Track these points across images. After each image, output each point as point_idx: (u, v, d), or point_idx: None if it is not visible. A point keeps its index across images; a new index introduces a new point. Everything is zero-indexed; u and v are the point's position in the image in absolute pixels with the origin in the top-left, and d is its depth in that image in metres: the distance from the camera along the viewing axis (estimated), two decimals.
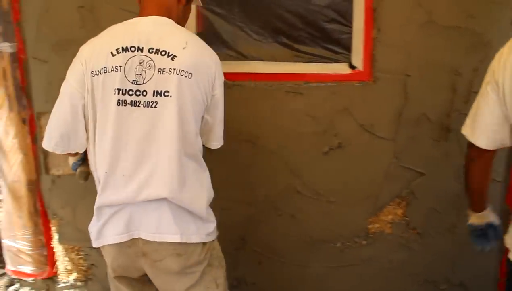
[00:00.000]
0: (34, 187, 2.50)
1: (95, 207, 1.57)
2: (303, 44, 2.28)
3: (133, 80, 1.44)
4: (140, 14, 1.55)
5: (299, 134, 2.31)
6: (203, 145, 1.63)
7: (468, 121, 1.55)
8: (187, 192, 1.51)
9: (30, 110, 2.41)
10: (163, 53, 1.44)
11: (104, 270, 2.55)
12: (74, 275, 2.64)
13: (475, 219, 1.74)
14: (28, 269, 2.61)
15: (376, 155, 2.31)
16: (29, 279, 2.66)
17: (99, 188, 1.54)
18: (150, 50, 1.44)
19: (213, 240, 1.65)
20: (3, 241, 2.61)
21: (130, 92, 1.44)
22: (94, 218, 1.60)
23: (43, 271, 2.63)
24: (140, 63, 1.44)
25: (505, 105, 1.39)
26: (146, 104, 1.44)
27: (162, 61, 1.44)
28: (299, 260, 2.47)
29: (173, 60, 1.43)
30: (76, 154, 1.64)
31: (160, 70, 1.43)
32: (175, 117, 1.44)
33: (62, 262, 2.64)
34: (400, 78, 2.22)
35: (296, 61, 2.29)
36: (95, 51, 1.49)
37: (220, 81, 1.56)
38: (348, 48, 2.28)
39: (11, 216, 2.52)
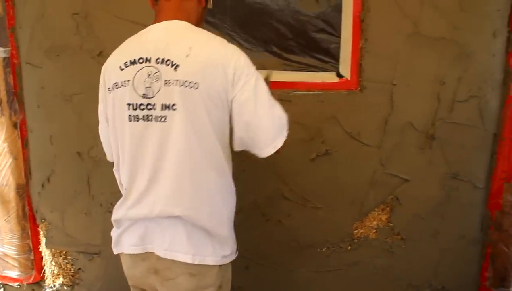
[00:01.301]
0: (22, 191, 2.50)
1: (112, 219, 1.55)
2: (293, 53, 2.31)
3: (143, 94, 1.36)
4: (155, 19, 1.47)
5: (288, 141, 2.31)
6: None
7: None
8: (204, 209, 1.43)
9: (21, 114, 2.42)
10: (168, 63, 1.33)
11: (91, 274, 2.58)
12: (61, 280, 2.63)
13: None
14: (14, 273, 2.60)
15: (362, 162, 2.35)
16: (15, 284, 2.64)
17: (120, 202, 1.53)
18: (157, 60, 1.34)
19: (228, 264, 1.56)
20: None
21: (142, 107, 1.36)
22: (114, 226, 1.58)
23: (29, 275, 2.62)
24: (149, 75, 1.35)
25: None
26: (157, 119, 1.35)
27: (167, 72, 1.33)
28: (285, 264, 2.49)
29: (176, 70, 1.32)
30: None
31: (166, 82, 1.33)
32: (184, 132, 1.35)
33: (49, 266, 2.63)
34: (387, 87, 2.27)
35: (285, 70, 2.32)
36: (109, 67, 1.47)
37: (243, 79, 1.36)
38: (336, 57, 2.32)
39: None
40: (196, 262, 1.43)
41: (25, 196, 2.52)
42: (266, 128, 1.42)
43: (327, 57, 2.32)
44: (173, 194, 1.39)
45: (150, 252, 1.47)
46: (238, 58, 1.38)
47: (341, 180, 2.38)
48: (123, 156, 1.47)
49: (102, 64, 2.25)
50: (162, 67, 1.34)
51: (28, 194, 2.53)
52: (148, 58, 1.35)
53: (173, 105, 1.33)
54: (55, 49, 2.32)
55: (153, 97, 1.35)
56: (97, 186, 2.45)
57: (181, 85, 1.32)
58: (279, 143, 1.45)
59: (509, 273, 2.42)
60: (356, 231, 2.45)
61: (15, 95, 2.40)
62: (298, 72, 2.32)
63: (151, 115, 1.36)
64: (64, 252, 2.60)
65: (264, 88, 1.41)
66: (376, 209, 2.42)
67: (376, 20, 2.22)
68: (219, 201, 1.47)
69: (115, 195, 2.39)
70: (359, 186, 2.39)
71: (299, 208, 2.42)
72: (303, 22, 2.28)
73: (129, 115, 1.38)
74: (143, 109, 1.36)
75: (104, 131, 1.60)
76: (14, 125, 2.42)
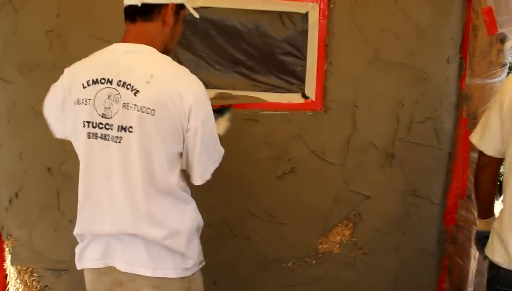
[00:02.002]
0: None
1: (74, 233, 1.56)
2: (261, 74, 2.40)
3: (102, 114, 1.38)
4: (122, 40, 1.47)
5: (255, 159, 2.40)
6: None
7: (476, 131, 1.76)
8: (161, 228, 1.44)
9: None
10: (128, 87, 1.36)
11: None
12: None
13: (482, 226, 1.85)
14: None
15: (327, 179, 2.45)
16: None
17: (78, 216, 1.53)
18: (119, 83, 1.37)
19: (193, 274, 1.56)
20: None
21: (100, 126, 1.39)
22: (78, 240, 1.58)
23: None
24: (109, 96, 1.37)
25: (502, 119, 1.62)
26: (113, 139, 1.38)
27: (127, 96, 1.36)
28: (253, 279, 2.53)
29: (135, 95, 1.35)
30: None
31: (124, 104, 1.36)
32: (137, 154, 1.38)
33: (14, 284, 2.59)
34: (349, 108, 2.39)
35: (253, 90, 2.39)
36: (73, 81, 1.46)
37: (198, 114, 1.39)
38: (302, 79, 2.42)
39: None
40: (157, 276, 1.46)
41: None
42: (205, 160, 1.49)
43: (294, 79, 2.42)
44: (130, 214, 1.42)
45: (112, 266, 1.50)
46: (198, 92, 1.41)
47: (306, 197, 2.46)
48: (81, 171, 1.48)
49: None
50: (123, 90, 1.36)
51: None
52: (110, 80, 1.38)
53: (130, 127, 1.36)
54: (28, 66, 2.33)
55: (111, 118, 1.38)
56: (66, 201, 2.44)
57: (139, 110, 1.35)
58: (208, 176, 1.54)
59: (464, 284, 2.55)
60: (320, 246, 2.53)
61: None
62: (266, 92, 2.39)
63: (108, 135, 1.39)
64: (30, 269, 2.55)
65: (211, 125, 1.47)
66: (339, 224, 2.51)
67: (340, 45, 2.35)
68: (176, 220, 1.49)
69: None
70: (324, 202, 2.48)
71: (266, 224, 2.48)
72: (271, 45, 2.38)
73: (88, 133, 1.41)
74: (101, 128, 1.39)
75: (51, 107, 1.58)
76: None
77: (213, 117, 1.48)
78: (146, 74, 1.36)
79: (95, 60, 1.47)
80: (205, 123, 1.42)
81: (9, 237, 2.51)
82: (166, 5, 1.45)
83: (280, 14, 2.36)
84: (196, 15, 1.62)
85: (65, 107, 1.49)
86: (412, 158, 2.45)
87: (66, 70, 1.53)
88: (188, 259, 1.52)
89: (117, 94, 1.37)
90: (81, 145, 1.45)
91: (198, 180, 1.52)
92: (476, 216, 2.09)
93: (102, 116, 1.39)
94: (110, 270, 1.51)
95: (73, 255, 2.41)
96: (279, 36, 2.38)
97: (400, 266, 2.54)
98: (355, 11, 2.32)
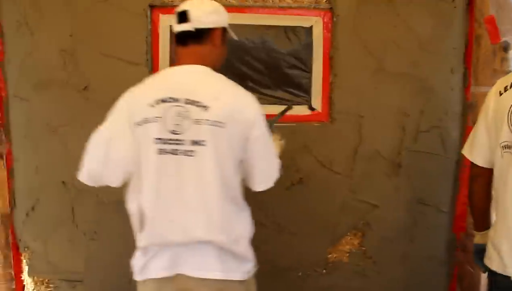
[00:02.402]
0: (6, 219, 2.55)
1: (140, 245, 1.60)
2: (267, 88, 2.45)
3: (172, 130, 1.48)
4: (176, 62, 1.60)
5: None
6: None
7: (467, 143, 1.78)
8: (229, 234, 1.55)
9: (8, 145, 2.50)
10: (197, 104, 1.47)
11: None
12: None
13: (479, 239, 1.83)
14: None
15: (334, 189, 2.49)
16: None
17: (144, 229, 1.58)
18: (186, 101, 1.47)
19: (250, 277, 1.68)
20: None
21: (170, 142, 1.48)
22: (138, 253, 1.63)
23: None
24: (178, 114, 1.47)
25: (489, 130, 1.65)
26: (185, 153, 1.48)
27: (196, 112, 1.47)
28: (263, 289, 2.54)
29: (206, 111, 1.46)
30: None
31: (195, 120, 1.47)
32: (213, 165, 1.49)
33: None
34: (355, 119, 2.43)
35: (261, 104, 2.40)
36: (136, 102, 1.55)
37: (258, 127, 1.54)
38: (308, 91, 2.47)
39: None
40: (225, 278, 1.57)
41: (9, 224, 2.56)
42: (266, 169, 1.64)
43: (300, 91, 2.47)
44: (204, 222, 1.52)
45: (180, 274, 1.57)
46: (257, 108, 1.57)
47: (315, 207, 2.49)
48: (146, 187, 1.54)
49: (88, 99, 2.41)
50: (192, 107, 1.47)
51: (12, 222, 2.58)
52: (176, 98, 1.48)
53: (202, 141, 1.47)
54: (43, 83, 2.42)
55: (181, 133, 1.48)
56: (81, 214, 2.51)
57: (211, 125, 1.47)
58: (271, 184, 1.68)
59: None
60: (330, 255, 2.55)
61: (2, 126, 2.48)
62: (273, 105, 2.41)
63: (178, 150, 1.48)
64: (46, 280, 2.63)
65: (268, 137, 1.62)
66: (348, 233, 2.53)
67: (344, 58, 2.40)
68: (239, 226, 1.62)
69: (98, 223, 2.50)
70: (332, 212, 2.51)
71: (275, 234, 2.51)
72: (277, 59, 2.44)
73: (159, 149, 1.50)
74: (171, 144, 1.49)
75: (95, 159, 1.60)
76: (0, 156, 2.48)
77: (267, 129, 1.61)
78: (212, 92, 1.50)
79: (157, 82, 1.60)
80: (264, 133, 1.57)
81: (26, 248, 2.59)
82: (214, 28, 1.58)
83: (285, 28, 2.43)
84: (235, 37, 1.75)
85: (126, 132, 1.56)
86: (419, 166, 2.47)
87: (121, 100, 1.62)
88: (247, 262, 1.65)
89: (186, 111, 1.47)
90: (150, 162, 1.52)
91: (262, 185, 1.66)
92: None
93: (172, 133, 1.48)
94: (176, 278, 1.58)
95: (87, 266, 2.53)
96: (284, 50, 2.44)
97: (409, 274, 2.55)
98: (358, 24, 2.37)
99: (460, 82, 2.42)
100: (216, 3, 1.64)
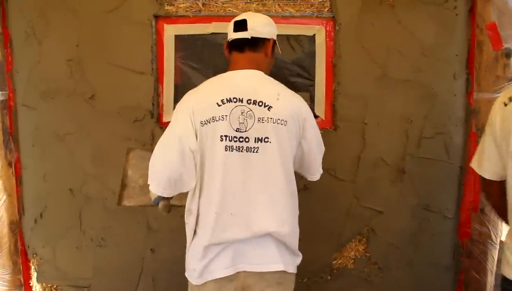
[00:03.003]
0: (15, 226, 2.59)
1: (203, 245, 1.63)
2: None
3: (237, 128, 1.58)
4: (232, 67, 1.70)
5: None
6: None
7: (475, 157, 1.77)
8: (287, 228, 1.66)
9: (16, 153, 2.55)
10: (260, 104, 1.59)
11: None
12: None
13: None
14: None
15: (338, 196, 2.50)
16: None
17: (205, 228, 1.63)
18: (249, 101, 1.59)
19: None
20: None
21: (235, 139, 1.58)
22: (196, 256, 1.66)
23: None
24: (242, 113, 1.58)
25: (497, 142, 1.64)
26: (249, 149, 1.59)
27: (260, 111, 1.58)
28: None
29: (269, 110, 1.59)
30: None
31: (259, 119, 1.58)
32: (277, 160, 1.61)
33: None
34: (359, 126, 2.45)
35: None
36: (201, 103, 1.61)
37: (310, 122, 1.70)
38: (311, 99, 2.49)
39: None
40: (285, 270, 1.67)
41: (17, 231, 2.61)
42: (318, 161, 1.81)
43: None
44: (267, 215, 1.61)
45: (239, 272, 1.65)
46: (307, 106, 1.72)
47: (319, 213, 2.51)
48: (208, 183, 1.62)
49: (94, 107, 2.45)
50: (255, 107, 1.59)
51: (21, 229, 2.62)
52: (240, 99, 1.59)
53: (266, 138, 1.59)
54: (50, 93, 2.48)
55: (246, 131, 1.58)
56: (88, 221, 2.55)
57: (274, 122, 1.59)
58: (321, 170, 1.85)
59: None
60: (335, 261, 2.56)
61: (11, 135, 2.53)
62: None
63: (243, 146, 1.59)
64: (54, 286, 2.66)
65: (318, 132, 1.77)
66: (353, 240, 2.54)
67: (347, 65, 2.42)
68: (295, 221, 1.75)
69: (106, 230, 2.53)
70: (336, 218, 2.52)
71: None
72: (280, 67, 2.46)
73: (226, 146, 1.59)
74: (236, 141, 1.58)
75: (178, 161, 1.60)
76: (9, 164, 2.53)
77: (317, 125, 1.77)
78: (273, 93, 1.63)
79: (218, 84, 1.68)
80: (315, 129, 1.74)
81: (34, 255, 2.63)
82: (268, 39, 1.72)
83: (288, 37, 2.46)
84: (280, 52, 1.87)
85: (192, 129, 1.61)
86: (423, 172, 2.47)
87: (182, 103, 1.67)
88: (298, 256, 1.78)
89: (249, 111, 1.59)
90: (217, 158, 1.60)
91: (318, 175, 1.84)
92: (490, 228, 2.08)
93: (236, 131, 1.59)
94: (236, 276, 1.65)
95: (94, 272, 2.56)
96: (287, 59, 2.47)
97: (415, 280, 2.55)
98: (360, 32, 2.40)
99: (463, 88, 2.42)
100: (269, 18, 1.78)
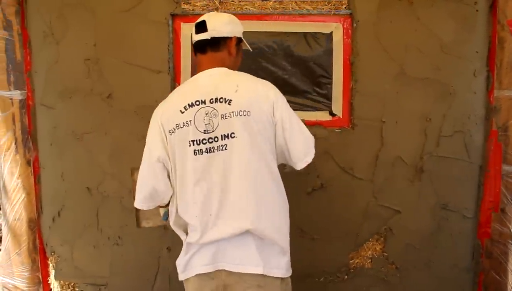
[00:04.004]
0: (34, 225, 2.62)
1: (186, 242, 1.68)
2: (288, 94, 2.39)
3: (204, 130, 1.58)
4: (198, 70, 1.72)
5: (285, 176, 2.42)
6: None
7: None
8: (268, 222, 1.60)
9: (35, 152, 2.57)
10: (221, 100, 1.58)
11: None
12: None
13: None
14: None
15: (356, 195, 2.48)
16: None
17: (189, 229, 1.66)
18: (211, 101, 1.59)
19: (288, 276, 1.71)
20: (0, 277, 2.68)
21: (204, 141, 1.58)
22: (182, 253, 1.70)
23: None
24: (206, 114, 1.58)
25: None
26: (219, 148, 1.58)
27: (222, 108, 1.58)
28: None
29: (230, 104, 1.58)
30: (166, 205, 1.79)
31: (222, 116, 1.58)
32: (245, 153, 1.57)
33: None
34: (376, 124, 2.42)
35: None
36: (167, 112, 1.64)
37: (280, 105, 1.63)
38: (328, 97, 2.48)
39: (10, 253, 2.61)
40: (265, 273, 1.61)
41: (36, 229, 2.64)
42: (299, 145, 1.68)
43: (320, 97, 2.48)
44: (243, 211, 1.58)
45: (220, 270, 1.63)
46: (275, 90, 1.67)
47: (336, 212, 2.49)
48: (184, 189, 1.63)
49: (112, 106, 2.46)
50: (217, 105, 1.58)
51: (39, 227, 2.65)
52: (203, 100, 1.59)
53: (232, 133, 1.57)
54: (68, 92, 2.50)
55: (213, 131, 1.58)
56: (105, 219, 2.57)
57: (237, 115, 1.57)
58: (309, 159, 1.72)
59: None
60: (352, 261, 2.54)
61: (30, 134, 2.56)
62: (295, 111, 2.43)
63: (213, 147, 1.58)
64: (72, 284, 2.69)
65: (294, 114, 1.68)
66: (370, 239, 2.52)
67: (365, 63, 2.39)
68: (280, 214, 1.68)
69: (123, 228, 2.55)
70: (354, 217, 2.50)
71: (297, 239, 2.45)
72: (297, 65, 2.45)
73: (194, 150, 1.58)
74: (205, 143, 1.58)
75: (149, 174, 1.68)
76: (28, 163, 2.56)
77: (290, 108, 1.69)
78: (232, 86, 1.61)
79: (182, 90, 1.70)
80: (289, 111, 1.66)
81: (52, 253, 2.66)
82: (230, 38, 1.71)
83: (305, 35, 2.44)
84: (249, 48, 1.88)
85: (159, 140, 1.65)
86: (442, 172, 2.44)
87: (153, 115, 1.71)
88: (287, 258, 1.69)
89: (213, 110, 1.58)
90: (188, 164, 1.60)
91: (300, 163, 1.70)
92: None
93: (204, 133, 1.58)
94: (217, 274, 1.64)
95: (111, 270, 2.58)
96: (304, 57, 2.45)
97: (433, 281, 2.52)
98: (378, 29, 2.37)
99: (483, 86, 2.38)
100: (232, 15, 1.78)
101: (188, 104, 1.60)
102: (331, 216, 2.49)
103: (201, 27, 1.69)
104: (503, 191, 2.40)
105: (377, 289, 2.54)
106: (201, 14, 2.41)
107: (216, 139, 1.58)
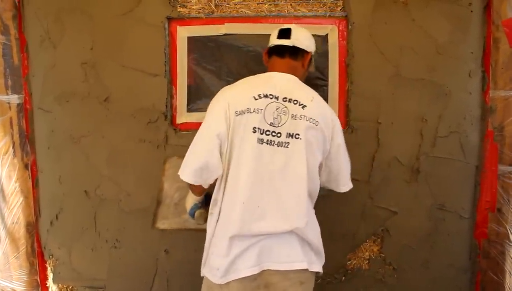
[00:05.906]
0: (32, 228, 2.63)
1: (228, 236, 1.63)
2: None
3: (270, 123, 1.65)
4: (273, 69, 1.80)
5: None
6: None
7: None
8: (310, 226, 1.71)
9: (32, 156, 2.58)
10: (295, 102, 1.67)
11: None
12: None
13: None
14: None
15: (353, 196, 2.41)
16: None
17: (231, 219, 1.64)
18: (284, 99, 1.67)
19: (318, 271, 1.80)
20: None
21: (267, 133, 1.64)
22: (221, 252, 1.65)
23: None
24: (277, 109, 1.66)
25: None
26: (280, 144, 1.65)
27: (294, 109, 1.67)
28: None
29: (303, 109, 1.67)
30: (202, 191, 1.80)
31: (293, 116, 1.66)
32: (304, 157, 1.65)
33: None
34: (372, 125, 2.43)
35: None
36: (238, 95, 1.70)
37: (339, 132, 1.78)
38: (324, 99, 2.44)
39: (8, 257, 2.61)
40: (308, 268, 1.70)
41: (34, 233, 2.64)
42: (346, 173, 1.85)
43: None
44: (292, 211, 1.65)
45: (265, 270, 1.66)
46: (336, 116, 1.80)
47: (333, 214, 2.49)
48: (235, 173, 1.65)
49: (109, 109, 2.47)
50: (289, 105, 1.67)
51: (37, 231, 2.65)
52: (276, 96, 1.67)
53: (297, 134, 1.66)
54: (65, 96, 2.50)
55: (278, 127, 1.65)
56: (103, 223, 2.57)
57: (307, 120, 1.66)
58: (351, 185, 1.88)
59: None
60: (349, 262, 2.54)
61: (27, 138, 2.56)
62: None
63: (274, 141, 1.65)
64: (70, 287, 2.69)
65: (344, 143, 1.81)
66: (367, 240, 2.52)
67: (360, 65, 2.40)
68: (313, 221, 1.79)
69: (120, 231, 2.55)
70: (351, 218, 2.50)
71: None
72: None
73: (258, 138, 1.64)
74: (268, 135, 1.65)
75: (204, 149, 1.66)
76: (26, 166, 2.57)
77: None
78: (307, 95, 1.73)
79: (255, 81, 1.76)
80: (343, 139, 1.81)
81: (50, 256, 2.66)
82: (307, 52, 1.85)
83: None
84: (313, 69, 2.11)
85: (222, 117, 1.66)
86: (438, 172, 2.45)
87: (218, 97, 1.74)
88: (322, 257, 1.81)
89: (284, 107, 1.67)
90: (247, 149, 1.64)
91: (347, 186, 1.87)
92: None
93: (270, 125, 1.65)
94: (260, 274, 1.66)
95: (109, 273, 2.58)
96: None
97: (430, 282, 2.52)
98: (374, 31, 2.38)
99: (478, 86, 2.39)
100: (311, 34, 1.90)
101: (263, 94, 1.66)
102: (328, 217, 2.45)
103: (285, 33, 1.81)
104: (500, 191, 2.41)
105: (374, 290, 2.55)
106: (197, 18, 2.45)
107: (279, 135, 1.64)
